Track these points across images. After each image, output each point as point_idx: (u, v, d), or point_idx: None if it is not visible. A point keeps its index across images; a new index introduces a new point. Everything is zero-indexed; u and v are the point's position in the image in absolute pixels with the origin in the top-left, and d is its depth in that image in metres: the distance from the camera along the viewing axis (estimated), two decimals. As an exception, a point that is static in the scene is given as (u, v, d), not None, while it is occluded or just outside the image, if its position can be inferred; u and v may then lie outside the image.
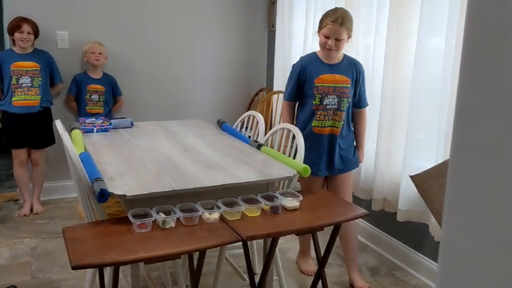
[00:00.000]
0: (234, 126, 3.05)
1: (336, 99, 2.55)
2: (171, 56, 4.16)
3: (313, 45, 3.52)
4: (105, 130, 2.93)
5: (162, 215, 1.83)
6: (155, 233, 1.76)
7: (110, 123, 2.99)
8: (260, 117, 2.85)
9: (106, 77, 3.81)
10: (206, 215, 1.87)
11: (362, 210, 2.05)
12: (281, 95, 3.89)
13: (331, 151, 2.63)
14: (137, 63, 4.04)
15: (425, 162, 2.63)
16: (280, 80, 3.97)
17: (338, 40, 2.47)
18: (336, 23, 2.44)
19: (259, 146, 2.57)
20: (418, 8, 2.56)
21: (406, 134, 2.67)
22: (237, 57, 4.41)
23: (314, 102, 2.57)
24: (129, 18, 3.95)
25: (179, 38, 4.16)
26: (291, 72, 2.69)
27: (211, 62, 4.32)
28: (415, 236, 2.85)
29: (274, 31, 4.12)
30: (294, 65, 2.70)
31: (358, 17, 3.03)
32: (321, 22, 2.53)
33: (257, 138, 2.82)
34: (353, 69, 2.58)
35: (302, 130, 2.54)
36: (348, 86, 2.56)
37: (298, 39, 3.75)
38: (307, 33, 3.57)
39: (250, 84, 4.50)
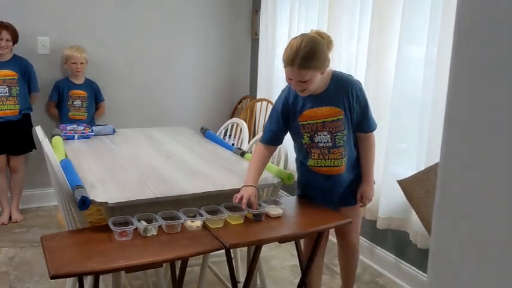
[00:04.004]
0: (217, 134, 3.04)
1: (328, 135, 2.08)
2: (154, 62, 4.14)
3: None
4: (87, 137, 2.90)
5: (144, 223, 1.80)
6: (136, 241, 1.74)
7: (92, 130, 2.95)
8: (244, 125, 2.85)
9: (88, 83, 3.77)
10: (188, 222, 1.85)
11: (344, 218, 2.05)
12: (264, 103, 3.90)
13: (330, 191, 2.19)
14: (119, 70, 4.00)
15: (406, 170, 2.65)
16: (264, 88, 3.98)
17: (303, 81, 1.96)
18: (292, 67, 1.92)
19: (242, 154, 2.56)
20: (399, 17, 2.59)
21: (386, 141, 2.68)
22: (220, 65, 4.41)
23: (304, 142, 2.14)
24: (111, 24, 3.92)
25: (161, 45, 4.14)
26: (272, 110, 2.23)
27: (194, 69, 4.31)
28: (397, 243, 2.86)
29: (258, 39, 4.13)
30: (276, 100, 2.21)
31: (340, 25, 3.06)
32: (282, 58, 2.00)
33: (241, 145, 2.82)
34: (343, 96, 2.05)
35: (300, 165, 2.25)
36: (341, 117, 2.06)
37: (281, 47, 3.76)
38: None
39: (233, 92, 4.49)
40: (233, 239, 1.78)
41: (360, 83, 2.13)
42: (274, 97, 3.81)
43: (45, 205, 3.84)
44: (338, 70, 2.17)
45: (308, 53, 1.91)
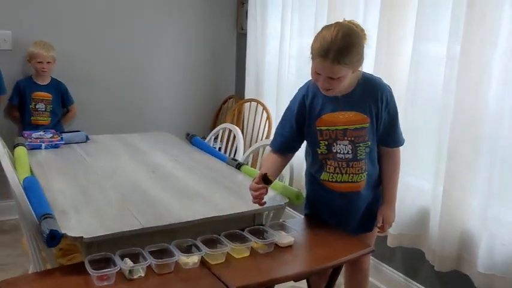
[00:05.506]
0: (206, 141, 2.70)
1: (349, 145, 1.77)
2: (129, 60, 3.75)
3: (291, 50, 3.23)
4: (56, 146, 2.53)
5: (129, 262, 1.47)
6: (120, 286, 1.40)
7: (61, 138, 2.59)
8: (237, 131, 2.52)
9: (54, 84, 3.35)
10: (183, 259, 1.52)
11: (366, 245, 1.75)
12: (254, 104, 3.58)
13: (346, 213, 1.90)
14: (91, 68, 3.60)
15: (423, 182, 2.38)
16: (252, 88, 3.64)
17: (333, 79, 1.66)
18: (325, 59, 1.61)
19: (239, 166, 2.24)
20: (414, 10, 2.30)
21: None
22: (202, 62, 4.05)
23: (320, 151, 1.82)
24: (82, 18, 3.52)
25: (137, 41, 3.76)
26: (285, 111, 1.90)
27: (173, 66, 3.94)
28: (409, 261, 2.59)
29: (244, 34, 3.80)
30: (292, 100, 1.89)
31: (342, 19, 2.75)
32: (311, 47, 1.69)
33: (234, 155, 2.49)
34: (371, 101, 1.75)
35: (311, 179, 1.95)
36: (366, 126, 1.76)
37: (273, 43, 3.44)
38: (283, 37, 3.26)
39: (217, 91, 4.14)
40: (239, 279, 1.46)
41: (391, 89, 1.82)
42: (264, 97, 3.51)
43: (11, 218, 3.40)
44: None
45: (345, 46, 1.60)
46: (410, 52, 2.33)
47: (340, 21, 1.72)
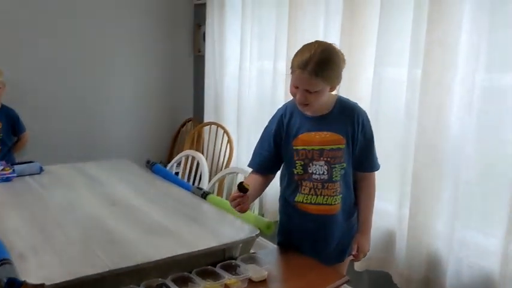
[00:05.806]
0: (168, 168, 2.61)
1: (325, 166, 1.76)
2: (83, 83, 3.63)
3: (251, 73, 3.21)
4: (7, 180, 2.38)
5: (96, 308, 1.37)
6: (88, 336, 1.30)
7: (13, 170, 2.44)
8: (202, 159, 2.46)
9: (4, 111, 3.17)
10: (155, 301, 1.44)
11: (340, 275, 1.72)
12: (214, 127, 3.53)
13: (322, 237, 1.86)
14: (43, 94, 3.46)
15: (388, 205, 2.40)
16: (211, 111, 3.60)
17: (310, 93, 1.68)
18: (304, 71, 1.63)
19: (204, 195, 2.17)
20: (374, 34, 2.34)
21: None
22: (158, 85, 3.98)
23: (296, 171, 1.80)
24: (33, 41, 3.38)
25: (91, 62, 3.65)
26: (264, 130, 1.90)
27: (129, 89, 3.84)
28: (376, 285, 2.58)
29: (202, 56, 3.76)
30: (270, 119, 1.89)
31: (302, 44, 2.76)
32: (291, 61, 1.71)
33: (199, 183, 2.42)
34: (348, 123, 1.77)
35: (285, 204, 1.91)
36: (341, 147, 1.76)
37: (232, 66, 3.41)
38: (243, 60, 3.24)
39: (174, 114, 4.07)
40: (215, 321, 1.39)
41: (367, 114, 1.84)
42: (224, 120, 3.46)
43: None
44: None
45: (324, 60, 1.64)
46: (371, 76, 2.36)
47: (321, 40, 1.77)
